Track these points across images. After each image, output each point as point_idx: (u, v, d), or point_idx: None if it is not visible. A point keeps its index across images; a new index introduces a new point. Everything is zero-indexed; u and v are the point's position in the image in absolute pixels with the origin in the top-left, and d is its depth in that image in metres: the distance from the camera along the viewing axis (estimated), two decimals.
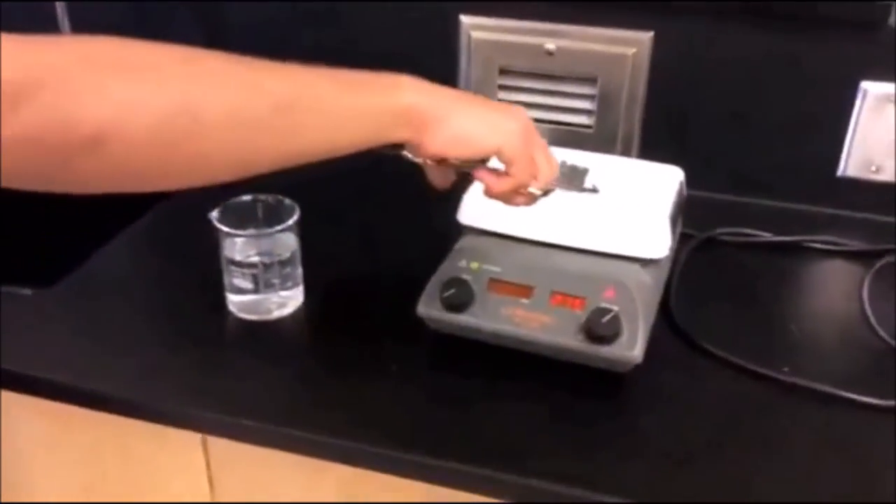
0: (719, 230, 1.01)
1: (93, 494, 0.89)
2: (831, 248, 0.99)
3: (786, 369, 0.81)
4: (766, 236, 1.00)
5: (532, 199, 0.73)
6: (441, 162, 0.70)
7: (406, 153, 0.70)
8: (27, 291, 0.91)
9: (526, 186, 0.71)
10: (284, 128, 0.58)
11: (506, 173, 0.70)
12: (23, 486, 0.93)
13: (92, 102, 0.49)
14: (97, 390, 0.79)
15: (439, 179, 0.73)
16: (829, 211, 1.05)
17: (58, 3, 1.15)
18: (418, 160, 0.70)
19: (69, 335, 0.86)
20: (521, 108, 0.71)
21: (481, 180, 0.71)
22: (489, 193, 0.72)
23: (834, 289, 0.97)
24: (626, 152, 1.09)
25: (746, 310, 0.90)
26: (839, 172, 1.04)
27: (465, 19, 1.09)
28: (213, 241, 0.86)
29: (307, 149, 0.60)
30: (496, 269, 0.82)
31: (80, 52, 0.51)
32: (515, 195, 0.72)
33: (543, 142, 0.72)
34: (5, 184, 0.49)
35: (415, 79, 0.66)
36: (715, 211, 1.04)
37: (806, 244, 1.00)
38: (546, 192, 0.74)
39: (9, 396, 0.84)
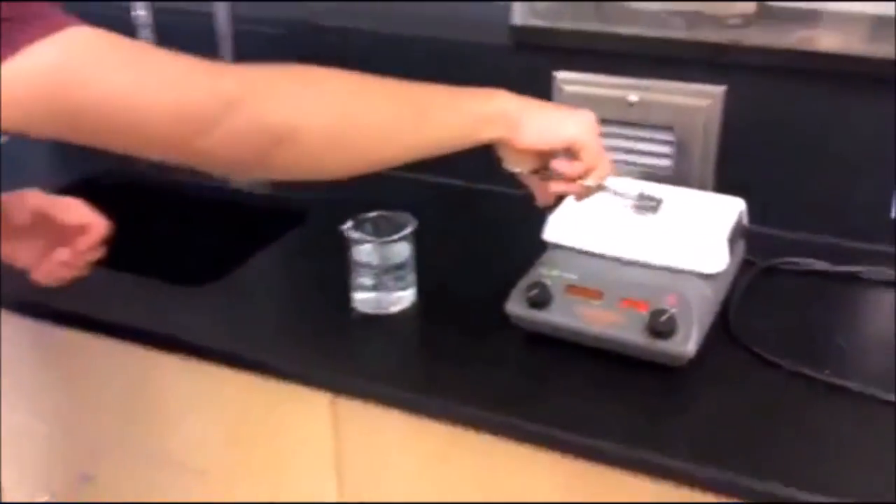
0: (780, 259, 1.14)
1: (234, 445, 1.09)
2: (883, 280, 1.11)
3: (827, 371, 0.93)
4: (823, 266, 1.13)
5: (588, 192, 0.89)
6: (536, 171, 0.88)
7: (508, 167, 0.88)
8: (196, 288, 1.13)
9: (592, 172, 0.87)
10: (415, 126, 0.79)
11: (577, 159, 0.86)
12: (174, 436, 1.13)
13: (283, 110, 0.70)
14: (256, 358, 1.00)
15: (542, 193, 0.91)
16: (883, 248, 1.16)
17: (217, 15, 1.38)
18: (519, 171, 0.88)
19: (231, 318, 1.07)
20: (588, 111, 0.89)
21: (557, 167, 0.87)
22: (562, 178, 0.88)
23: (883, 313, 1.08)
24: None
25: (797, 325, 1.03)
26: (893, 214, 1.16)
27: (559, 74, 1.27)
28: (341, 254, 1.06)
29: (429, 143, 0.80)
30: (573, 276, 0.98)
31: (270, 74, 0.72)
32: (576, 186, 0.88)
33: (602, 144, 0.89)
34: (223, 172, 0.69)
35: (505, 91, 0.84)
36: (778, 244, 1.17)
37: (860, 275, 1.12)
38: (599, 188, 0.90)
39: (169, 360, 1.05)
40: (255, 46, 1.41)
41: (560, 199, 0.97)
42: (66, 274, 0.92)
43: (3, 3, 0.62)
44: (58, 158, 1.52)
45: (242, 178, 0.73)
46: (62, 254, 0.89)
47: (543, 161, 0.89)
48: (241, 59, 1.38)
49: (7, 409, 1.20)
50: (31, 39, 0.62)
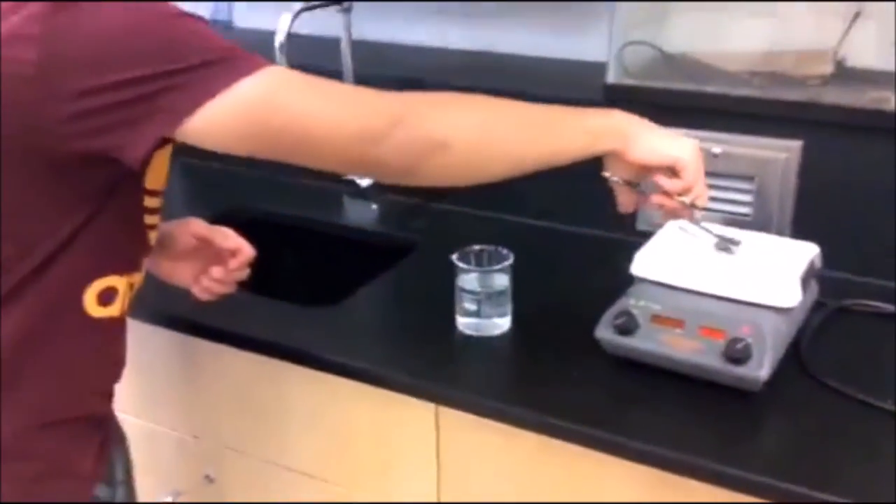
0: (851, 301, 1.22)
1: (345, 451, 1.22)
2: None
3: (890, 401, 1.02)
4: (890, 308, 1.21)
5: (681, 211, 1.00)
6: (628, 182, 1.00)
7: (607, 174, 1.00)
8: (321, 309, 1.28)
9: (689, 191, 0.98)
10: (545, 139, 0.93)
11: (678, 178, 0.98)
12: (292, 442, 1.27)
13: (438, 126, 0.86)
14: (370, 371, 1.13)
15: (625, 201, 1.03)
16: None
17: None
18: (615, 179, 1.00)
19: (349, 336, 1.22)
20: (693, 139, 1.01)
21: (660, 181, 0.99)
22: (664, 193, 0.99)
23: None
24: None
25: (864, 360, 1.11)
26: None
27: None
28: (444, 283, 1.19)
29: (556, 153, 0.93)
30: (657, 306, 1.09)
31: (426, 98, 0.89)
32: (673, 202, 0.99)
33: (702, 169, 1.00)
34: (389, 179, 0.89)
35: (620, 110, 0.98)
36: (849, 287, 1.25)
37: None
38: (692, 208, 1.00)
39: (293, 372, 1.19)
40: None
41: (634, 213, 1.10)
42: (220, 290, 1.09)
43: (217, 48, 0.79)
44: (191, 198, 1.71)
45: (405, 184, 0.89)
46: (217, 271, 1.06)
47: (642, 175, 1.00)
48: None
49: (140, 415, 1.36)
50: (240, 76, 0.79)
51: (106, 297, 0.92)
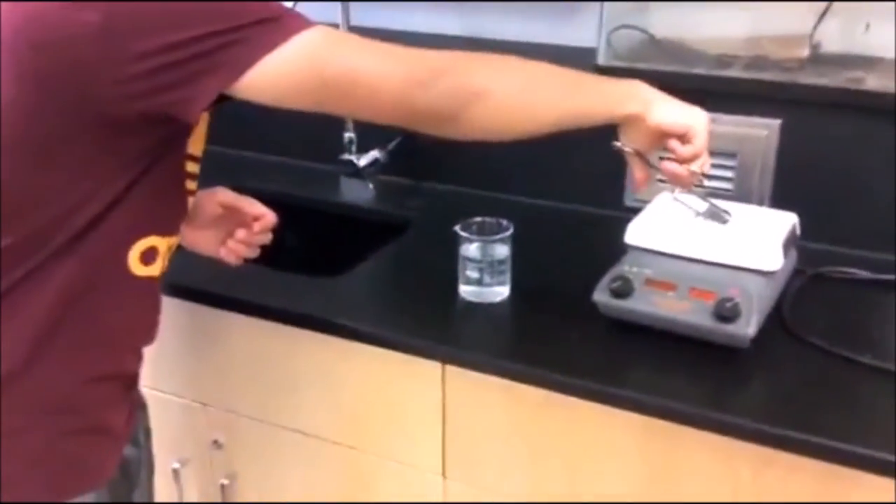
0: (827, 268, 1.31)
1: (355, 411, 1.28)
2: None
3: (868, 356, 1.10)
4: (865, 275, 1.29)
5: (689, 178, 1.06)
6: (640, 154, 1.06)
7: (620, 144, 1.06)
8: (328, 279, 1.34)
9: (697, 158, 1.04)
10: (575, 96, 0.99)
11: (690, 143, 1.03)
12: (300, 406, 1.32)
13: (479, 77, 0.93)
14: (379, 335, 1.20)
15: (640, 175, 1.08)
16: None
17: None
18: (628, 149, 1.06)
19: (357, 302, 1.28)
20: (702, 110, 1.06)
21: (671, 147, 1.04)
22: (676, 158, 1.05)
23: None
24: None
25: (842, 321, 1.20)
26: None
27: None
28: (443, 255, 1.26)
29: (584, 111, 1.00)
30: (650, 271, 1.17)
31: (460, 54, 0.94)
32: (683, 169, 1.05)
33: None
34: (433, 129, 0.94)
35: (643, 86, 1.03)
36: (826, 256, 1.34)
37: None
38: (699, 177, 1.06)
39: (301, 336, 1.25)
40: None
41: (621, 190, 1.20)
42: (244, 252, 1.15)
43: (269, 8, 0.85)
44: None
45: (445, 134, 0.95)
46: (242, 233, 1.13)
47: (655, 144, 1.05)
48: None
49: (148, 382, 1.40)
50: (293, 32, 0.85)
51: (148, 257, 0.97)
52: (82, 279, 0.92)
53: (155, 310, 1.05)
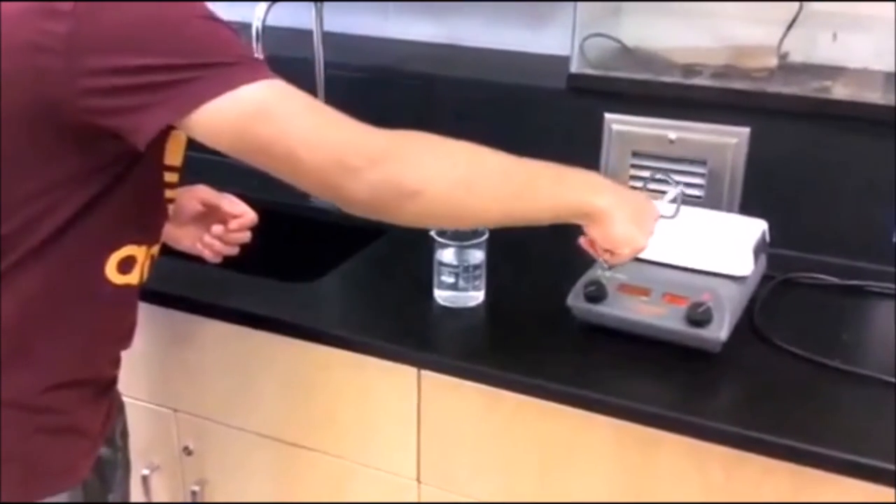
0: (796, 273, 1.33)
1: (329, 417, 1.28)
2: (884, 292, 1.30)
3: (837, 360, 1.12)
4: (833, 280, 1.32)
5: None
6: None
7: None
8: (301, 284, 1.33)
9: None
10: (521, 203, 0.93)
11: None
12: (272, 412, 1.32)
13: (415, 174, 0.86)
14: (354, 339, 1.19)
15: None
16: (884, 267, 1.34)
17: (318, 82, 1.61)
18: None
19: (332, 308, 1.28)
20: (656, 215, 1.05)
21: (600, 256, 1.05)
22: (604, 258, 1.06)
23: (882, 318, 1.27)
24: None
25: (811, 325, 1.22)
26: (894, 239, 1.35)
27: (609, 115, 1.48)
28: (419, 261, 1.26)
29: (529, 218, 0.95)
30: (624, 277, 1.18)
31: (406, 139, 0.88)
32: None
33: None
34: (362, 213, 0.87)
35: (606, 182, 1.00)
36: (794, 262, 1.36)
37: (863, 288, 1.31)
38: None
39: (272, 342, 1.25)
40: (344, 88, 1.63)
41: None
42: (221, 248, 1.17)
43: (231, 52, 0.83)
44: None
45: (380, 220, 0.90)
46: (217, 229, 1.15)
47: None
48: (331, 99, 1.60)
49: (120, 387, 1.39)
50: (244, 82, 0.82)
51: (126, 266, 0.97)
52: (53, 287, 0.91)
53: (132, 316, 1.04)
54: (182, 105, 0.82)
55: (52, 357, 0.94)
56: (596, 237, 1.01)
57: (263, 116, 0.83)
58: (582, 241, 1.06)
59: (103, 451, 1.03)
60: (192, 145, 0.91)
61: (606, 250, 1.03)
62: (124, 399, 1.17)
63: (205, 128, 0.83)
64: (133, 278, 0.99)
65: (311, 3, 1.56)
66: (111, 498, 1.06)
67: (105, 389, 1.03)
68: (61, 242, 0.90)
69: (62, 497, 0.97)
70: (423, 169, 0.87)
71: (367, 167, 0.84)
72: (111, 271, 0.95)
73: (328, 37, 1.62)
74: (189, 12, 0.83)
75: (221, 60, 0.82)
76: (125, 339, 1.05)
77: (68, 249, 0.90)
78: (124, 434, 1.12)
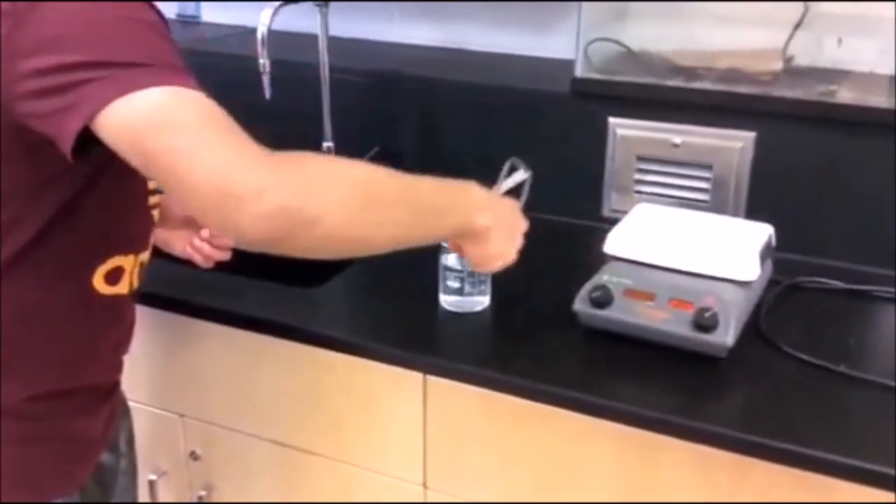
0: (802, 278, 1.33)
1: (337, 423, 1.28)
2: (890, 297, 1.29)
3: (843, 365, 1.12)
4: (838, 285, 1.32)
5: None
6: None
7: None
8: (308, 289, 1.34)
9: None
10: (412, 228, 0.90)
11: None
12: (278, 417, 1.32)
13: (312, 199, 0.78)
14: (360, 345, 1.20)
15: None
16: (889, 272, 1.34)
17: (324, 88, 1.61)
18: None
19: (337, 313, 1.28)
20: (524, 226, 1.08)
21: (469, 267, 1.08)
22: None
23: (887, 322, 1.27)
24: None
25: (817, 330, 1.22)
26: None
27: (613, 120, 1.48)
28: (425, 266, 1.25)
29: (420, 240, 0.92)
30: (630, 281, 1.18)
31: (301, 165, 0.81)
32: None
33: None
34: (253, 246, 0.80)
35: (486, 198, 0.99)
36: (800, 267, 1.36)
37: (869, 293, 1.30)
38: None
39: (280, 348, 1.25)
40: (350, 92, 1.63)
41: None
42: (210, 252, 1.18)
43: (146, 52, 0.78)
44: None
45: (272, 252, 0.82)
46: (205, 231, 1.15)
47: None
48: (337, 103, 1.61)
49: (127, 393, 1.39)
50: (148, 85, 0.76)
51: (114, 277, 0.97)
52: (38, 298, 0.91)
53: (124, 324, 1.04)
54: (89, 107, 0.76)
55: (39, 366, 0.94)
56: (471, 254, 1.02)
57: (156, 125, 0.76)
58: (450, 245, 1.07)
59: (104, 457, 1.04)
60: None
61: (478, 263, 1.06)
62: (131, 403, 1.18)
63: (106, 131, 0.77)
64: (122, 288, 0.99)
65: (317, 8, 1.57)
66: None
67: (103, 397, 1.03)
68: (42, 249, 0.89)
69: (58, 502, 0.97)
70: (319, 197, 0.79)
71: (254, 197, 0.75)
72: (99, 282, 0.95)
73: (333, 41, 1.62)
74: (117, 12, 0.79)
75: (131, 60, 0.77)
76: (119, 346, 1.05)
77: (51, 257, 0.90)
78: (130, 440, 1.13)
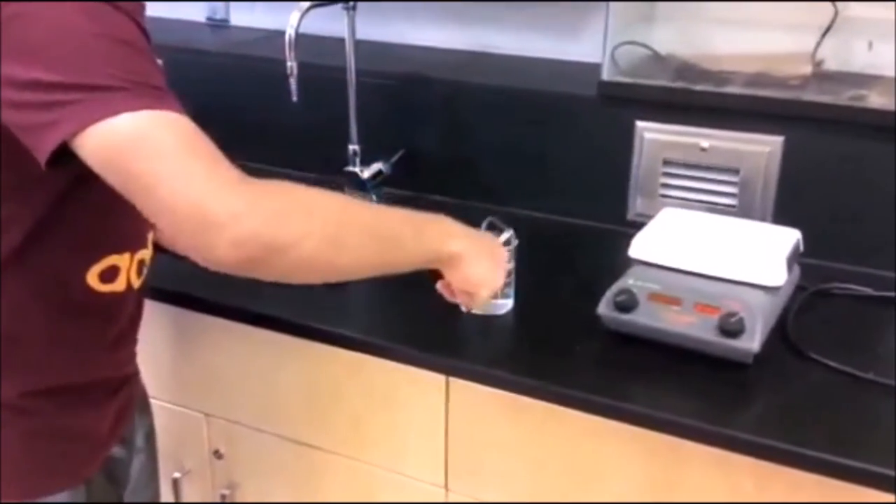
0: (830, 284, 1.31)
1: (353, 424, 1.28)
2: None
3: (871, 373, 1.10)
4: (866, 291, 1.30)
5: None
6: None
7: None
8: (331, 290, 1.33)
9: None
10: (383, 257, 0.93)
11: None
12: (301, 418, 1.32)
13: (284, 227, 0.80)
14: (385, 346, 1.20)
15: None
16: None
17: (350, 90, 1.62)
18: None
19: (361, 314, 1.29)
20: (506, 257, 1.10)
21: (458, 299, 1.07)
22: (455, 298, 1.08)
23: None
24: None
25: (844, 337, 1.20)
26: None
27: (640, 123, 1.48)
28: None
29: (391, 268, 0.94)
30: (655, 286, 1.17)
31: (275, 193, 0.82)
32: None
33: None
34: (226, 271, 0.81)
35: (458, 227, 1.00)
36: (829, 272, 1.34)
37: None
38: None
39: (303, 348, 1.25)
40: (376, 95, 1.64)
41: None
42: None
43: (126, 75, 0.78)
44: None
45: (245, 277, 0.84)
46: None
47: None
48: (364, 106, 1.61)
49: (151, 393, 1.40)
50: (125, 110, 0.77)
51: (108, 275, 0.97)
52: (32, 296, 0.93)
53: (123, 319, 1.04)
54: (66, 128, 0.77)
55: (36, 362, 0.95)
56: (453, 280, 1.03)
57: (132, 150, 0.77)
58: (439, 285, 1.08)
59: (116, 451, 1.05)
60: None
61: (464, 292, 1.06)
62: (156, 402, 1.19)
63: (83, 151, 0.78)
64: (118, 286, 0.99)
65: (344, 12, 1.57)
66: (127, 498, 1.07)
67: (110, 392, 1.04)
68: (33, 254, 0.90)
69: (62, 497, 0.98)
70: (291, 225, 0.81)
71: (228, 224, 0.77)
72: (93, 280, 0.96)
73: (359, 44, 1.63)
74: (99, 29, 0.79)
75: (109, 84, 0.78)
76: (120, 341, 1.05)
77: (43, 261, 0.91)
78: (150, 437, 1.13)
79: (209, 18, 2.06)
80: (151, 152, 0.78)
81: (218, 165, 0.80)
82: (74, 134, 0.77)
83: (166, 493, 1.43)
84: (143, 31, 0.84)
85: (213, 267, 0.81)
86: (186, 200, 0.77)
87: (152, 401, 1.22)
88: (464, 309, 1.18)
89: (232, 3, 2.03)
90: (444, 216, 1.01)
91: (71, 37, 0.78)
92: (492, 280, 1.05)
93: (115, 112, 0.77)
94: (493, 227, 1.19)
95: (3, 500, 0.95)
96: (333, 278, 0.90)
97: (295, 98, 1.49)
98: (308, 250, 0.82)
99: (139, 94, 0.78)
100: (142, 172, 0.77)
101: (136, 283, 1.03)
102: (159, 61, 0.88)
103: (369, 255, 0.90)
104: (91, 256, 0.95)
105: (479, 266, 1.02)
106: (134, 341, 1.09)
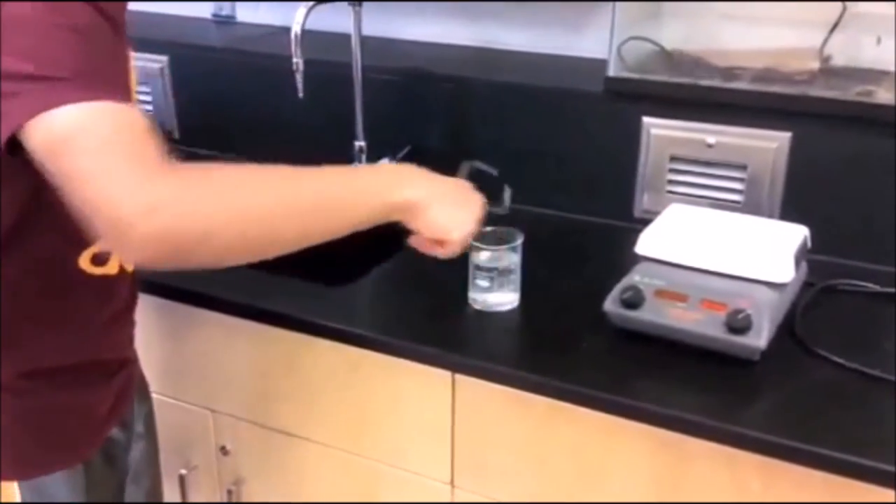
0: (837, 280, 1.31)
1: (359, 420, 1.28)
2: None
3: (878, 370, 1.10)
4: (874, 288, 1.29)
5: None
6: None
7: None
8: (337, 287, 1.34)
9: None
10: (325, 220, 0.88)
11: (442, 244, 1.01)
12: (308, 414, 1.33)
13: (200, 215, 0.78)
14: (391, 343, 1.20)
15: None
16: None
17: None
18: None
19: (367, 310, 1.29)
20: (479, 200, 1.03)
21: (431, 250, 1.02)
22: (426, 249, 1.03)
23: None
24: None
25: (852, 333, 1.20)
26: None
27: (646, 119, 1.47)
28: (455, 264, 1.23)
29: (331, 229, 0.89)
30: (661, 282, 1.17)
31: (188, 179, 0.79)
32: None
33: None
34: (154, 267, 0.79)
35: (415, 171, 0.96)
36: (836, 269, 1.34)
37: None
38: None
39: (309, 345, 1.25)
40: (382, 91, 1.64)
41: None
42: None
43: (73, 66, 0.76)
44: None
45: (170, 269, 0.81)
46: None
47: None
48: (370, 102, 1.61)
49: (156, 388, 1.41)
50: (67, 101, 0.75)
51: (100, 259, 0.98)
52: (24, 278, 0.93)
53: (118, 301, 1.04)
54: (13, 120, 0.76)
55: (32, 343, 0.96)
56: (420, 230, 0.98)
57: (63, 145, 0.75)
58: (411, 240, 1.03)
59: (114, 432, 1.05)
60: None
61: (434, 241, 1.01)
62: (162, 398, 1.19)
63: (29, 145, 0.76)
64: (111, 269, 0.99)
65: (350, 8, 1.57)
66: (130, 482, 1.08)
67: (109, 373, 1.05)
68: (23, 239, 0.91)
69: (59, 476, 0.99)
70: (207, 211, 0.78)
71: (139, 221, 0.75)
72: (85, 263, 0.97)
73: (365, 40, 1.62)
74: (48, 18, 0.77)
75: (56, 74, 0.76)
76: (116, 322, 1.05)
77: (34, 245, 0.92)
78: (150, 424, 1.14)
79: (215, 15, 2.06)
80: (80, 149, 0.75)
81: (142, 159, 0.77)
82: (20, 126, 0.75)
83: (173, 489, 1.43)
84: (111, 19, 0.81)
85: (134, 264, 0.79)
86: (106, 201, 0.75)
87: (158, 396, 1.23)
88: (439, 255, 1.05)
89: (238, 1, 2.04)
90: (406, 165, 0.98)
91: (23, 23, 0.76)
92: (460, 223, 0.99)
93: (56, 104, 0.75)
94: (479, 173, 1.14)
95: (1, 479, 0.96)
96: (274, 252, 0.85)
97: (301, 94, 1.50)
98: (231, 233, 0.79)
99: (84, 83, 0.76)
100: (70, 171, 0.75)
101: (130, 265, 1.03)
102: (133, 53, 0.87)
103: (297, 221, 0.86)
104: (80, 241, 0.93)
105: (442, 210, 0.97)
106: (130, 323, 1.09)
